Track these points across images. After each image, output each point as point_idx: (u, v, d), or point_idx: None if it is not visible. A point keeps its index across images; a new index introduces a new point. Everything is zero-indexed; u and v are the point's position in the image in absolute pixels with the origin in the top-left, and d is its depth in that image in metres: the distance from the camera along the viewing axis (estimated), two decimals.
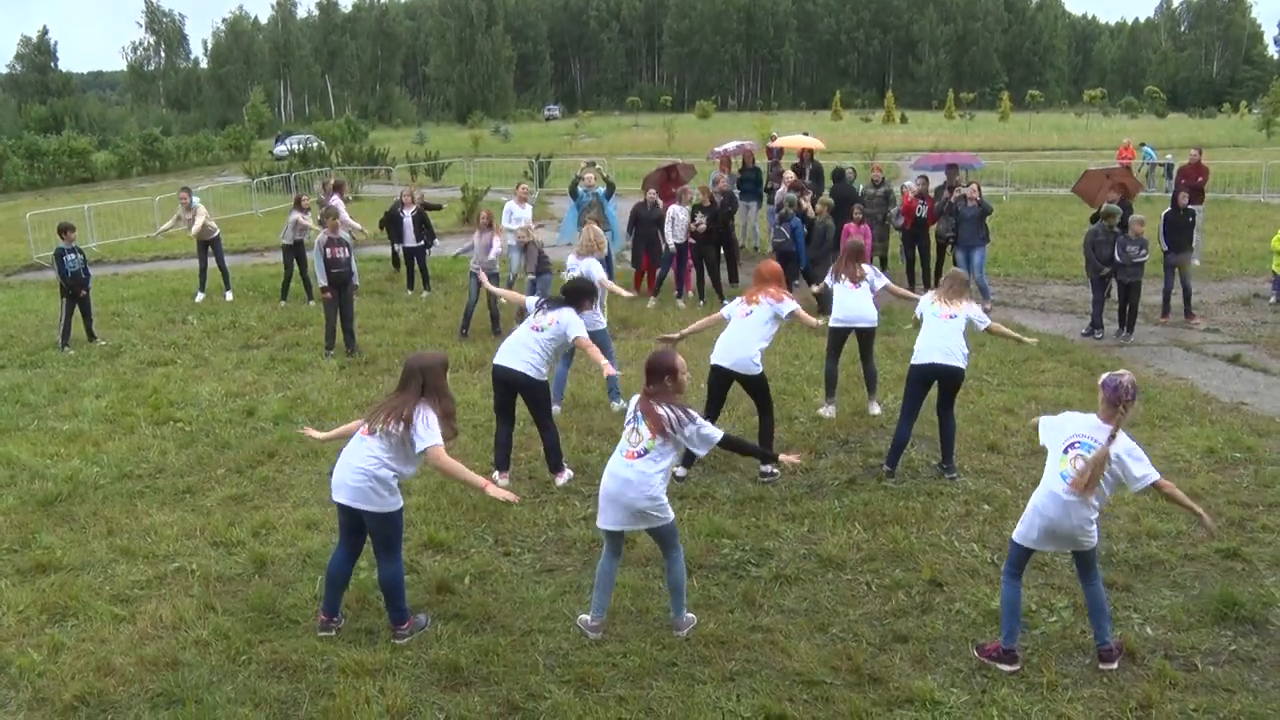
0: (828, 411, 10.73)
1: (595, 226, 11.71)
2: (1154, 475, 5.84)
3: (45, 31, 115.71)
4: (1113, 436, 5.75)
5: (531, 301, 9.23)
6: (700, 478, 9.07)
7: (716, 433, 6.36)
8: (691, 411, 6.33)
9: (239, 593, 7.05)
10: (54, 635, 6.48)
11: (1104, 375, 5.95)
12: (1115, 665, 5.98)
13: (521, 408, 8.96)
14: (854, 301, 10.54)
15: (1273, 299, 16.29)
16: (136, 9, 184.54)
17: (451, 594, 6.99)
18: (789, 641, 6.34)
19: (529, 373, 8.69)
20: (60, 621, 6.71)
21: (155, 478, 9.28)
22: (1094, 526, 5.92)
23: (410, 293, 17.64)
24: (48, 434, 10.49)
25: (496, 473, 8.93)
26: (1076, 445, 5.84)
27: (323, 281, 13.46)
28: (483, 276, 12.40)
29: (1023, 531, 6.04)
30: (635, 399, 6.43)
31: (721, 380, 9.12)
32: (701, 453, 6.57)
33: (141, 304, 17.11)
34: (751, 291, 9.22)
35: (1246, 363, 12.80)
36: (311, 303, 16.73)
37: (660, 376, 6.33)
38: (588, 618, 6.48)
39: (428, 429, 6.14)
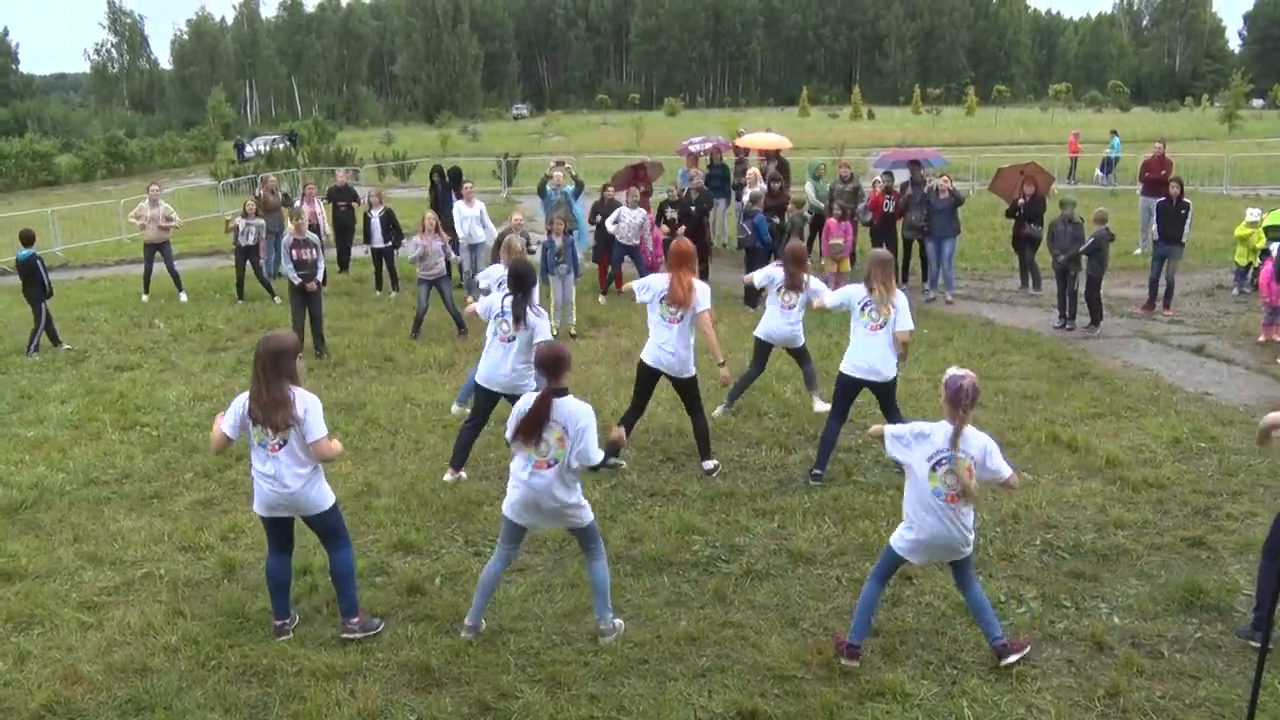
0: (719, 412, 10.53)
1: (513, 239, 10.91)
2: (1007, 472, 5.87)
3: (6, 32, 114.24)
4: (955, 438, 5.71)
5: (485, 307, 8.88)
6: (670, 474, 9.09)
7: (597, 455, 6.18)
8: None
9: (208, 597, 6.99)
10: (20, 644, 6.41)
11: (947, 374, 5.86)
12: (1014, 658, 5.94)
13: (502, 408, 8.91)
14: (781, 324, 10.32)
15: (1235, 290, 16.47)
16: (99, 10, 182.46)
17: (422, 595, 6.97)
18: (760, 637, 6.36)
19: (518, 389, 8.55)
20: (26, 630, 6.63)
21: (122, 483, 9.19)
22: (973, 534, 5.94)
23: (379, 294, 17.57)
24: (12, 441, 10.37)
25: (450, 472, 8.99)
26: (942, 463, 5.77)
27: (296, 280, 13.41)
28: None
29: (901, 545, 5.99)
30: (526, 402, 6.17)
31: (648, 378, 9.08)
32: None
33: (107, 308, 16.96)
34: (676, 291, 8.83)
35: (1210, 353, 12.93)
36: (277, 300, 16.73)
37: (564, 369, 6.15)
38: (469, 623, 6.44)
39: (317, 418, 6.10)
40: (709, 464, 9.11)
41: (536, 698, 5.74)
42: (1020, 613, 6.60)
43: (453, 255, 14.89)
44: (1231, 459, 9.19)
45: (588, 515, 6.30)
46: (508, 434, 6.23)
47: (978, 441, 5.81)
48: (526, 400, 6.20)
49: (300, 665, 6.08)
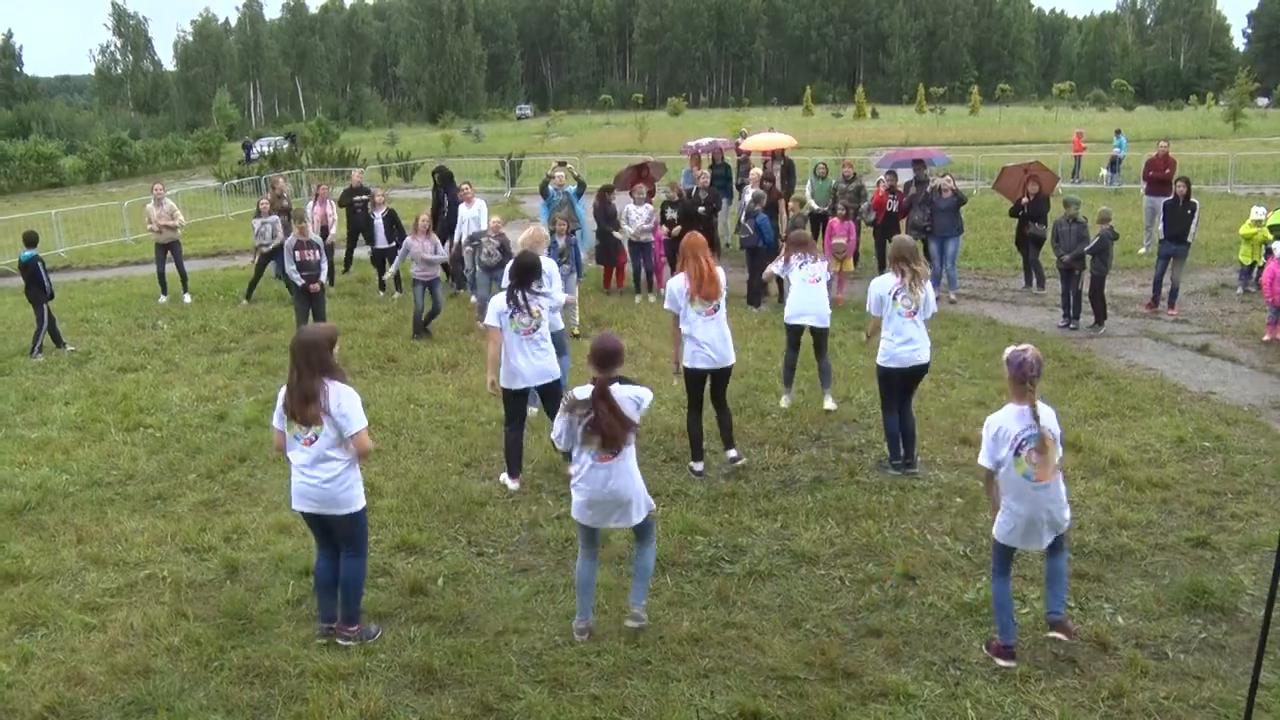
0: (785, 402, 10.86)
1: (538, 225, 11.16)
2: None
3: (10, 35, 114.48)
4: (1036, 417, 5.79)
5: (495, 313, 8.59)
6: (673, 474, 9.07)
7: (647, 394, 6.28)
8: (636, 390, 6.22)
9: (211, 599, 7.00)
10: (23, 645, 6.42)
11: (1007, 352, 5.93)
12: (1063, 637, 6.03)
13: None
14: (809, 300, 10.50)
15: (1240, 289, 16.43)
16: (103, 11, 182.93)
17: (425, 596, 6.97)
18: (763, 637, 6.36)
19: (556, 376, 8.66)
20: (30, 631, 6.64)
21: (125, 484, 9.20)
22: (1068, 508, 6.05)
23: (382, 294, 17.57)
24: (16, 442, 10.37)
25: (512, 481, 8.86)
26: (1024, 444, 5.82)
27: (300, 282, 13.43)
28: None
29: (1004, 532, 6.03)
30: (582, 397, 6.10)
31: (702, 381, 9.00)
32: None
33: (110, 310, 16.96)
34: (705, 285, 8.77)
35: (1215, 352, 12.90)
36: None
37: (619, 362, 6.19)
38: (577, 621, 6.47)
39: (355, 411, 6.11)
40: (732, 453, 9.15)
41: (539, 698, 5.73)
42: (1024, 613, 6.57)
43: (441, 255, 14.90)
44: (1236, 459, 9.16)
45: (650, 501, 6.35)
46: (575, 439, 6.14)
47: (1049, 413, 5.91)
48: (581, 399, 6.09)
49: (303, 666, 6.08)
